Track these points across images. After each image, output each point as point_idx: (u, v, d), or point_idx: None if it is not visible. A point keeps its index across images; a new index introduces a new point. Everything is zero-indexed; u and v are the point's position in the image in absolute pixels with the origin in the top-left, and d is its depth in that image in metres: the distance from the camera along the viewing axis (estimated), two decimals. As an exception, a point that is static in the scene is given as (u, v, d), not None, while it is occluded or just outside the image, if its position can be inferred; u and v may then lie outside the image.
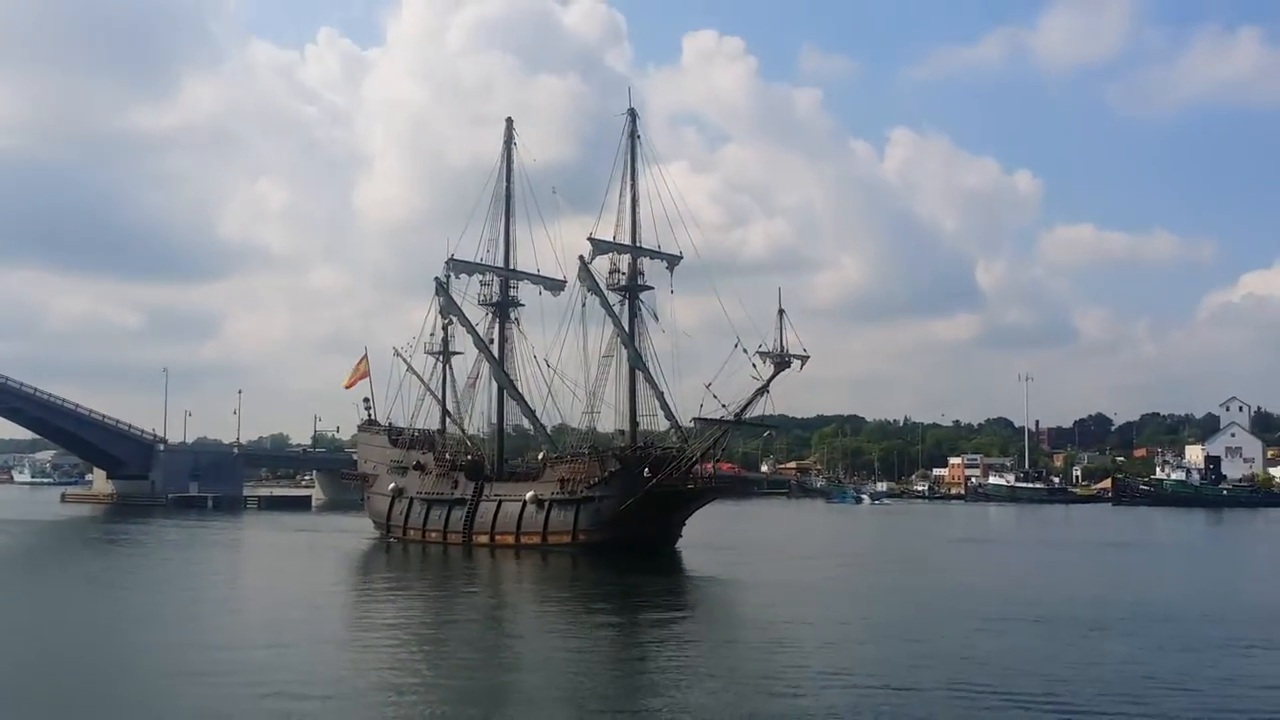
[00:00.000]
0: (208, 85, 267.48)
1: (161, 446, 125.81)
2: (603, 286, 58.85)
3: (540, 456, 62.54)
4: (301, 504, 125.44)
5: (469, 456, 64.26)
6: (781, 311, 52.48)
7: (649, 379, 58.83)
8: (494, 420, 64.32)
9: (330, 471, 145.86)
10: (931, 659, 25.87)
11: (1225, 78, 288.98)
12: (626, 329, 58.87)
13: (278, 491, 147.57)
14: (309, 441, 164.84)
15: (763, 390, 52.82)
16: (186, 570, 50.00)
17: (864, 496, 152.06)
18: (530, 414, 62.41)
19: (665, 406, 58.78)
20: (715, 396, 53.88)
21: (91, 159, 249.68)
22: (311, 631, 31.32)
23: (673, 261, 59.63)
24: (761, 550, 60.80)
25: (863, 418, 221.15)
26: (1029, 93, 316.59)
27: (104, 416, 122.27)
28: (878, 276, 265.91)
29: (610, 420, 60.53)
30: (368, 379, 72.79)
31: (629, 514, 54.63)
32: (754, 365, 52.95)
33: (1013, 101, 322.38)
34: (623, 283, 59.62)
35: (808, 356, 53.13)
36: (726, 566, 52.13)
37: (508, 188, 63.22)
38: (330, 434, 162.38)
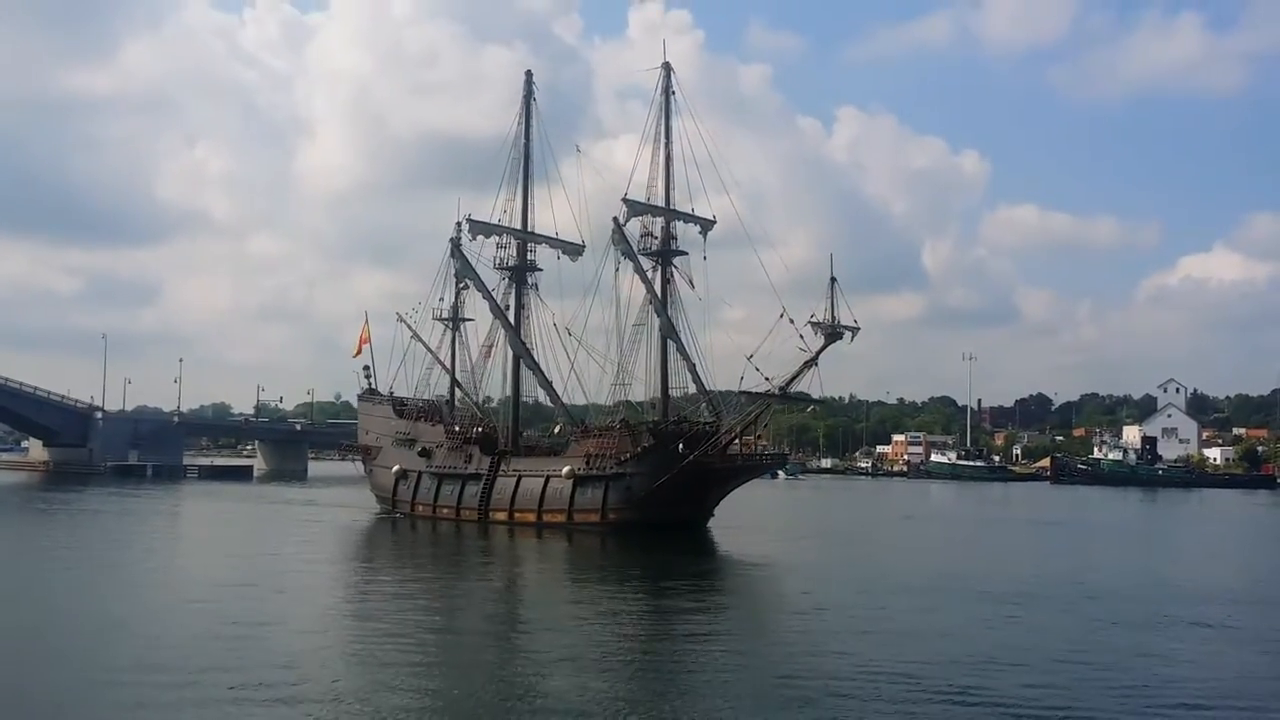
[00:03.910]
0: (146, 47, 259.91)
1: (99, 415, 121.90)
2: (635, 250, 55.63)
3: (557, 430, 59.17)
4: (243, 474, 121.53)
5: (478, 429, 60.67)
6: (833, 280, 49.80)
7: (681, 349, 55.87)
8: (507, 391, 60.67)
9: (272, 441, 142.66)
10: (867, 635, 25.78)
11: (1167, 63, 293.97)
12: (659, 296, 55.72)
13: (219, 461, 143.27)
14: (251, 411, 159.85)
15: (811, 362, 50.17)
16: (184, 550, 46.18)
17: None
18: (547, 385, 58.93)
19: (698, 379, 55.93)
20: (758, 369, 51.13)
21: (28, 121, 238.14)
22: (304, 613, 28.28)
23: (706, 226, 56.61)
24: (772, 529, 58.62)
25: (809, 394, 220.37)
26: (975, 73, 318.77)
27: (35, 388, 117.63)
28: (825, 254, 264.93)
29: (638, 392, 57.48)
30: (368, 346, 68.41)
31: (662, 492, 51.68)
32: (801, 336, 50.29)
33: (959, 82, 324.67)
34: (655, 247, 56.44)
35: (859, 328, 50.68)
36: (748, 545, 50.07)
37: (526, 146, 59.38)
38: (273, 403, 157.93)
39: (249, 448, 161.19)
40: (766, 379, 51.20)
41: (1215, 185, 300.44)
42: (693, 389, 56.36)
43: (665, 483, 51.64)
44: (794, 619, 29.01)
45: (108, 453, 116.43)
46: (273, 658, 22.12)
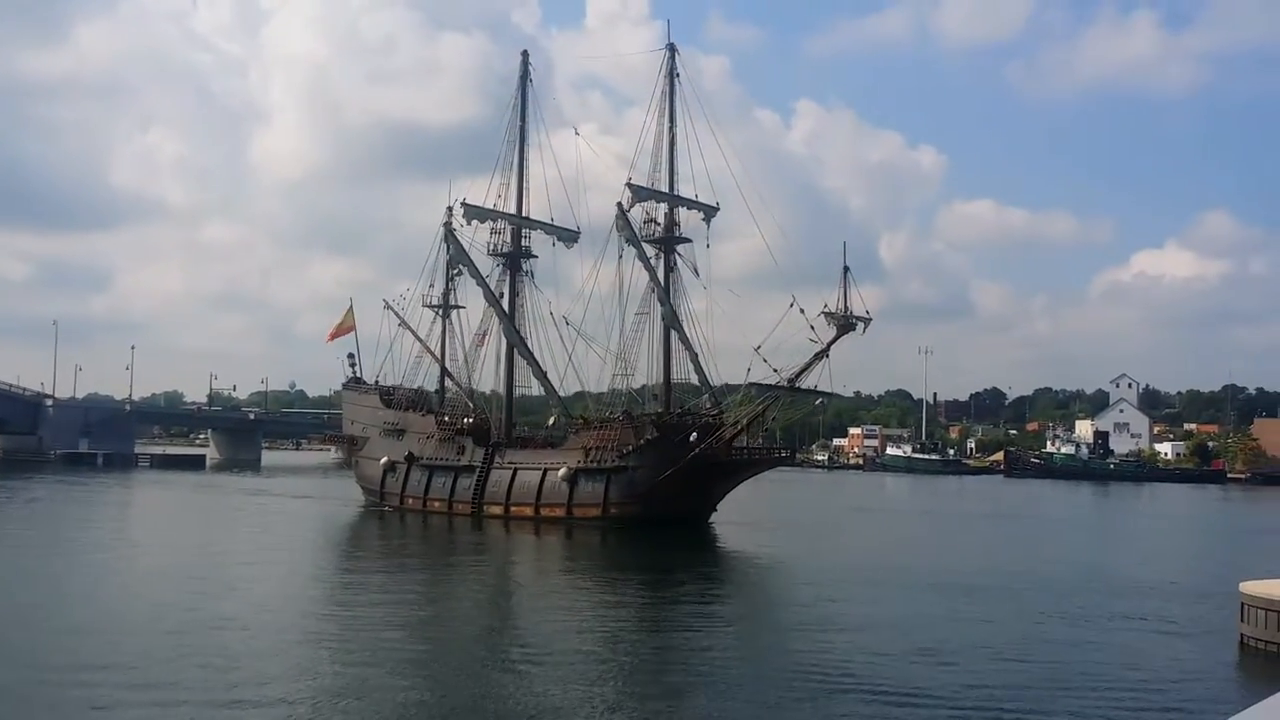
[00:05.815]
0: (99, 30, 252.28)
1: (49, 402, 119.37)
2: (639, 237, 54.08)
3: (551, 421, 57.46)
4: (195, 463, 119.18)
5: (467, 419, 58.72)
6: (846, 269, 48.89)
7: (684, 339, 54.45)
8: (500, 381, 58.81)
9: (226, 430, 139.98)
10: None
11: (1123, 60, 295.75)
12: (663, 284, 54.23)
13: (171, 450, 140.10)
14: (204, 399, 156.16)
15: (822, 354, 49.04)
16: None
17: None
18: (542, 375, 57.17)
19: (700, 370, 54.56)
20: (766, 360, 49.89)
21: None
22: (287, 612, 27.28)
23: (710, 213, 55.21)
24: (748, 524, 57.44)
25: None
26: (932, 68, 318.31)
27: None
28: (783, 247, 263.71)
29: (638, 383, 56.02)
30: (353, 333, 65.94)
31: (667, 486, 50.22)
32: (812, 328, 49.17)
33: (916, 76, 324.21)
34: (658, 234, 54.88)
35: (870, 318, 49.75)
36: (745, 540, 49.45)
37: (522, 128, 57.54)
38: (226, 392, 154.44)
39: (202, 437, 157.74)
40: (775, 370, 50.02)
41: (1169, 183, 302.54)
42: (692, 379, 55.03)
43: (670, 476, 50.21)
44: (781, 630, 28.31)
45: (58, 441, 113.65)
46: (248, 659, 21.26)
